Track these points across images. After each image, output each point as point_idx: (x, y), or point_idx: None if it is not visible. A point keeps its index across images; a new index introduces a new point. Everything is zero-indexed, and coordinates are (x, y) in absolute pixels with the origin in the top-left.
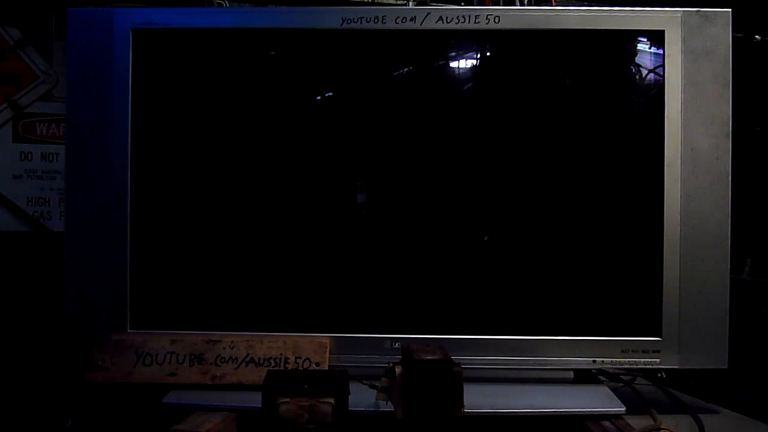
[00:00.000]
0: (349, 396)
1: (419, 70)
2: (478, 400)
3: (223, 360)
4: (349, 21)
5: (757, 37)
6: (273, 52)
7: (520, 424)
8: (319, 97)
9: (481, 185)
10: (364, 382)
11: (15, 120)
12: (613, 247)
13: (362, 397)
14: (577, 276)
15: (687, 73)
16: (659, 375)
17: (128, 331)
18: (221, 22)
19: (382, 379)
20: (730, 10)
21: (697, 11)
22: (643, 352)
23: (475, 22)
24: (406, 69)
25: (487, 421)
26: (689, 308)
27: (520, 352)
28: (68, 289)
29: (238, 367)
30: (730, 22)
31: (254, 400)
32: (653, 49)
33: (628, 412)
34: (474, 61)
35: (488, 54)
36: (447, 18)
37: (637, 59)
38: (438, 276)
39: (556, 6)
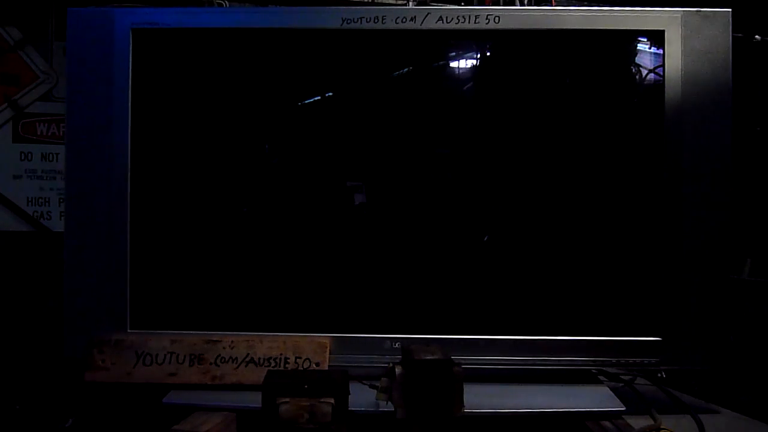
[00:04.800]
0: (349, 396)
1: (419, 70)
2: (478, 400)
3: (223, 360)
4: (349, 21)
5: (757, 37)
6: (273, 53)
7: (520, 424)
8: (319, 98)
9: (481, 185)
10: (364, 382)
11: (15, 120)
12: (613, 248)
13: (362, 397)
14: (577, 276)
15: (687, 73)
16: (659, 375)
17: (128, 331)
18: (221, 22)
19: (382, 379)
20: (730, 10)
21: (697, 11)
22: (643, 352)
23: (475, 22)
24: (406, 69)
25: (487, 421)
26: (689, 308)
27: (520, 352)
28: (68, 289)
29: (238, 367)
30: (730, 22)
31: (254, 400)
32: (653, 49)
33: (628, 412)
34: (474, 61)
35: (488, 54)
36: (447, 18)
37: (637, 59)
38: (438, 276)
39: (556, 6)
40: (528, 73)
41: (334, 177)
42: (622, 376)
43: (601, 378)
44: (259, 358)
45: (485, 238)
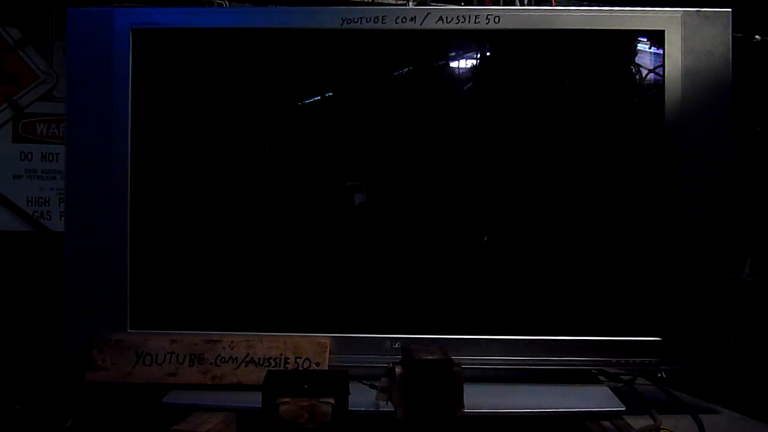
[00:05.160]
0: (349, 396)
1: (419, 70)
2: (478, 400)
3: (223, 360)
4: (349, 21)
5: (757, 37)
6: (273, 52)
7: (520, 424)
8: (319, 98)
9: (481, 185)
10: (364, 382)
11: (15, 120)
12: (613, 248)
13: (362, 397)
14: (578, 277)
15: (687, 73)
16: (659, 375)
17: (128, 331)
18: (221, 22)
19: (382, 379)
20: (730, 10)
21: (697, 11)
22: (643, 352)
23: (475, 22)
24: (406, 69)
25: (487, 421)
26: (689, 308)
27: (520, 352)
28: (68, 289)
29: (238, 367)
30: (730, 22)
31: (254, 400)
32: (653, 49)
33: (628, 412)
34: (474, 61)
35: (488, 54)
36: (447, 18)
37: (637, 59)
38: (438, 276)
39: (556, 6)
40: (528, 73)
41: (334, 177)
42: (622, 376)
43: (601, 378)
44: (259, 358)
45: (485, 238)
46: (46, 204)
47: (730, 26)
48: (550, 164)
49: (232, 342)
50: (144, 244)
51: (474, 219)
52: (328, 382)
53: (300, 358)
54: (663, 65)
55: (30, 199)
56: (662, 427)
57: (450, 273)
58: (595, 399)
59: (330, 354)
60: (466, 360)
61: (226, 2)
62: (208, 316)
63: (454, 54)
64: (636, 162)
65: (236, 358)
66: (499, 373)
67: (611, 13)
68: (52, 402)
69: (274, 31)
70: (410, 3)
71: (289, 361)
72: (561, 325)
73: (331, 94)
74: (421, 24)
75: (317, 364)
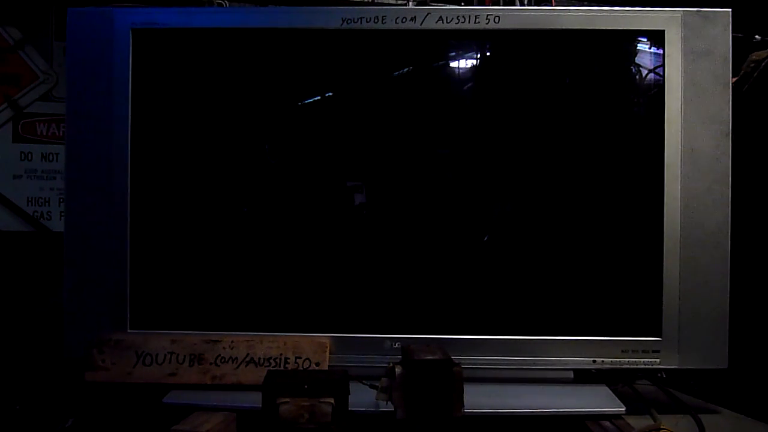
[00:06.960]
0: (349, 396)
1: (419, 70)
2: (478, 400)
3: (223, 360)
4: (349, 21)
5: (757, 37)
6: (273, 53)
7: (520, 424)
8: (319, 98)
9: (480, 185)
10: (364, 382)
11: (15, 120)
12: (613, 248)
13: (362, 397)
14: (577, 276)
15: (687, 73)
16: (659, 375)
17: (128, 331)
18: (221, 22)
19: (382, 379)
20: (730, 10)
21: (697, 11)
22: (643, 352)
23: (475, 22)
24: (406, 69)
25: (487, 421)
26: (689, 308)
27: (520, 352)
28: (68, 289)
29: (238, 367)
30: (730, 22)
31: (254, 400)
32: (653, 49)
33: (628, 412)
34: (474, 61)
35: (488, 54)
36: (447, 18)
37: (637, 59)
38: (438, 276)
39: (556, 6)
40: (528, 73)
41: (334, 177)
42: (622, 377)
43: (601, 378)
44: (259, 358)
45: (486, 238)
46: (46, 204)
47: (730, 26)
48: (551, 165)
49: (232, 342)
50: (144, 244)
51: (474, 219)
52: (328, 382)
53: (300, 358)
54: (663, 65)
55: (30, 199)
56: (662, 427)
57: (450, 273)
58: (595, 399)
59: (330, 354)
60: (466, 360)
61: (226, 2)
62: (208, 316)
63: (454, 54)
64: (636, 162)
65: (236, 358)
66: (498, 373)
67: (611, 13)
68: (52, 402)
69: (274, 31)
70: (410, 3)
71: (289, 361)
72: (561, 324)
73: (331, 94)
74: (421, 24)
75: (317, 364)
